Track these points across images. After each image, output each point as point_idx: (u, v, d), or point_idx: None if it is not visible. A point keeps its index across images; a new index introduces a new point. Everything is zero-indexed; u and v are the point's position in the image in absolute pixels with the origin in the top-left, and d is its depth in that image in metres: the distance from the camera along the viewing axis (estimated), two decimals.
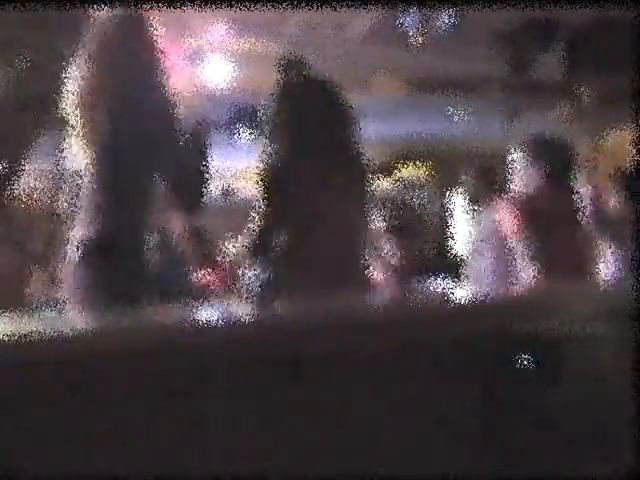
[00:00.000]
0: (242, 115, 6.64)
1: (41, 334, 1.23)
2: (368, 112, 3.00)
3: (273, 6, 4.46)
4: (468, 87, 6.52)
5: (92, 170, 2.56)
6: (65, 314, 2.34)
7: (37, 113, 2.10)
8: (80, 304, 2.53)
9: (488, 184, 4.63)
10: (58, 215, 2.75)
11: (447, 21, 5.06)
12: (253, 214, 2.82)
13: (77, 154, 2.57)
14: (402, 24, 5.10)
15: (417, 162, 9.34)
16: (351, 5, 4.53)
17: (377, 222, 2.94)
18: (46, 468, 1.14)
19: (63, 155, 2.62)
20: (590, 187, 4.59)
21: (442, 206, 7.95)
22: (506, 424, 1.64)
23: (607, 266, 3.89)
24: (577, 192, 3.63)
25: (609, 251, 3.98)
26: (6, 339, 1.15)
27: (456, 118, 7.49)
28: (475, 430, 1.61)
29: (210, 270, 4.02)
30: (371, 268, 2.90)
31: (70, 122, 2.48)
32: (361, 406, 1.48)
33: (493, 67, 5.69)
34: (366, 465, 1.46)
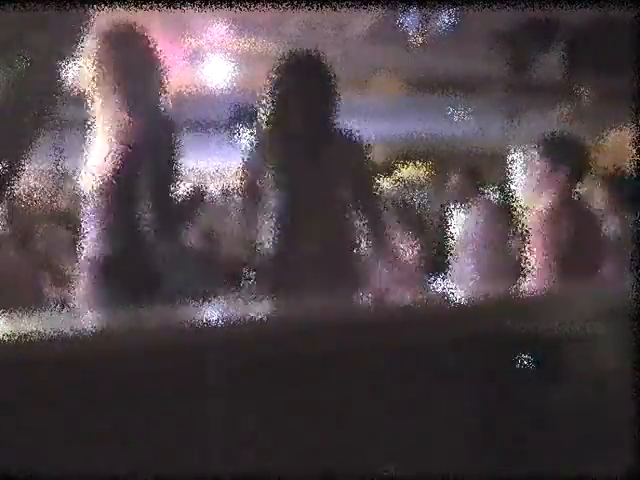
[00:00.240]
0: (242, 115, 6.64)
1: (41, 334, 1.23)
2: (368, 112, 3.00)
3: (273, 6, 4.46)
4: (468, 87, 6.52)
5: (97, 172, 2.57)
6: (66, 314, 2.34)
7: (37, 113, 2.10)
8: (81, 304, 2.53)
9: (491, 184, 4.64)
10: (61, 215, 2.75)
11: (447, 21, 5.06)
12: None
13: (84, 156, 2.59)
14: (402, 24, 5.10)
15: (417, 162, 9.35)
16: (351, 5, 4.52)
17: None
18: (46, 468, 1.14)
19: (64, 155, 2.62)
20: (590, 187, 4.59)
21: (442, 206, 7.95)
22: (506, 424, 1.64)
23: (607, 266, 3.88)
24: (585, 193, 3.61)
25: (610, 252, 3.98)
26: (6, 339, 1.16)
27: (456, 118, 7.49)
28: (475, 430, 1.61)
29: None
30: (368, 267, 2.90)
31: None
32: (361, 406, 1.48)
33: (493, 67, 5.70)
34: (366, 465, 1.46)
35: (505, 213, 3.62)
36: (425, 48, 5.29)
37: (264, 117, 2.84)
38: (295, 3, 4.37)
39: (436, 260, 5.03)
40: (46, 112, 2.14)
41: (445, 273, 4.84)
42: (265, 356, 1.36)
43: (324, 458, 1.42)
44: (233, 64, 5.70)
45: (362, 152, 2.89)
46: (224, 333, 1.36)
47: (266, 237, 2.77)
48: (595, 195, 4.68)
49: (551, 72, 5.76)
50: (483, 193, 5.07)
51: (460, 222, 5.09)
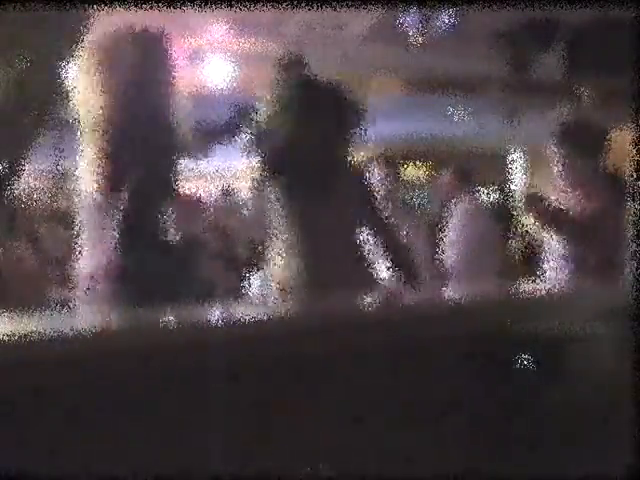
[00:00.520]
0: (242, 115, 6.62)
1: (41, 334, 1.23)
2: (368, 112, 3.00)
3: (273, 6, 4.46)
4: (468, 87, 6.52)
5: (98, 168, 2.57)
6: (66, 314, 2.34)
7: (37, 113, 2.10)
8: (82, 304, 2.53)
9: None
10: (63, 215, 2.75)
11: (447, 21, 5.06)
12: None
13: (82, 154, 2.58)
14: (402, 24, 5.10)
15: (417, 162, 9.35)
16: (351, 5, 4.52)
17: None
18: (46, 468, 1.14)
19: (64, 155, 2.62)
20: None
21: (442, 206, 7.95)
22: (506, 424, 1.64)
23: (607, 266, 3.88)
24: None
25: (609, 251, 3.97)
26: (6, 339, 1.16)
27: (456, 118, 7.49)
28: (475, 430, 1.61)
29: None
30: (371, 267, 2.90)
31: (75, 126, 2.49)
32: (361, 406, 1.48)
33: (493, 67, 5.70)
34: (366, 465, 1.46)
35: (504, 212, 3.63)
36: (425, 48, 5.29)
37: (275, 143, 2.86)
38: (295, 3, 4.37)
39: (435, 260, 5.03)
40: (46, 112, 2.14)
41: (445, 273, 4.85)
42: (265, 356, 1.36)
43: (324, 458, 1.42)
44: (233, 64, 5.70)
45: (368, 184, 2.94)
46: (224, 333, 1.36)
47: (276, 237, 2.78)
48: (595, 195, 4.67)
49: (551, 72, 5.76)
50: (475, 192, 5.08)
51: (460, 221, 5.10)
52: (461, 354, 1.61)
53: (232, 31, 5.09)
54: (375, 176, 4.54)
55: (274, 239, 2.84)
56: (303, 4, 4.39)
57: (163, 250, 2.65)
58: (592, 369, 1.72)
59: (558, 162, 3.47)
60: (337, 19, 4.95)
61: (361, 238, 2.88)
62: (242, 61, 5.62)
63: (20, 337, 1.18)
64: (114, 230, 2.57)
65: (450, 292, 2.91)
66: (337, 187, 2.83)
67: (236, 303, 2.77)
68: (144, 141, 2.53)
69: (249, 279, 2.92)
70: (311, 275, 2.74)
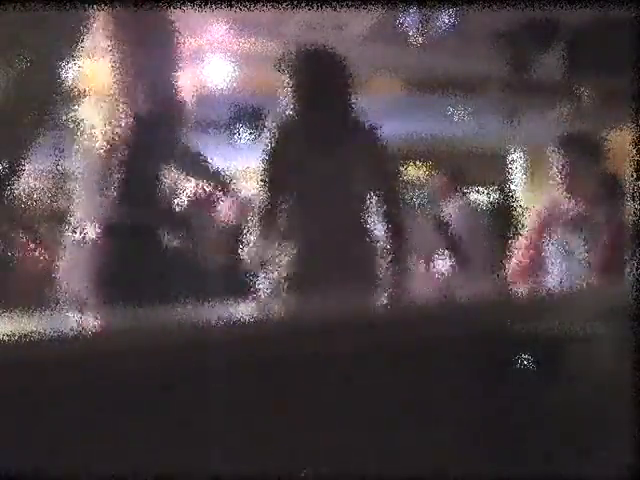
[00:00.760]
0: (242, 115, 6.64)
1: (41, 334, 1.23)
2: (368, 112, 3.00)
3: (273, 6, 4.46)
4: (468, 87, 6.52)
5: (94, 170, 2.57)
6: (66, 314, 2.34)
7: (37, 113, 2.10)
8: (81, 304, 2.53)
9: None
10: (60, 214, 2.75)
11: (447, 21, 5.06)
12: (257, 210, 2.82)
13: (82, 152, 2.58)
14: (402, 24, 5.09)
15: (417, 162, 9.33)
16: (351, 5, 4.53)
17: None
18: (46, 468, 1.14)
19: (64, 155, 2.62)
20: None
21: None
22: (506, 424, 1.64)
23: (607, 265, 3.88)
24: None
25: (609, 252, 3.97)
26: (6, 339, 1.16)
27: (456, 118, 7.49)
28: (475, 430, 1.61)
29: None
30: (375, 266, 2.90)
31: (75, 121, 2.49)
32: (361, 406, 1.48)
33: (493, 67, 5.69)
34: (366, 465, 1.46)
35: (503, 212, 3.64)
36: (425, 48, 5.29)
37: (281, 116, 2.85)
38: (295, 3, 4.37)
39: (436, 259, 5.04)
40: (46, 112, 2.14)
41: (444, 273, 4.85)
42: (265, 356, 1.36)
43: (324, 458, 1.42)
44: (233, 64, 5.70)
45: (381, 146, 2.92)
46: (224, 333, 1.36)
47: (283, 234, 2.77)
48: (594, 195, 4.67)
49: (551, 72, 5.76)
50: (475, 192, 5.10)
51: (459, 220, 5.10)
52: (461, 354, 1.61)
53: (232, 31, 5.09)
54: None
55: (279, 237, 2.83)
56: (303, 4, 4.39)
57: (162, 249, 2.65)
58: (592, 369, 1.72)
59: (556, 165, 3.48)
60: (337, 19, 4.95)
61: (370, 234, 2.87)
62: (242, 61, 5.62)
63: (20, 337, 1.18)
64: (114, 229, 2.57)
65: (450, 292, 2.91)
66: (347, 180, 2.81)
67: (237, 302, 2.77)
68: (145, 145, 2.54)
69: (251, 277, 2.91)
70: (314, 272, 2.74)
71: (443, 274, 4.84)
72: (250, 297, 2.83)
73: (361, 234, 2.87)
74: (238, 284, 2.96)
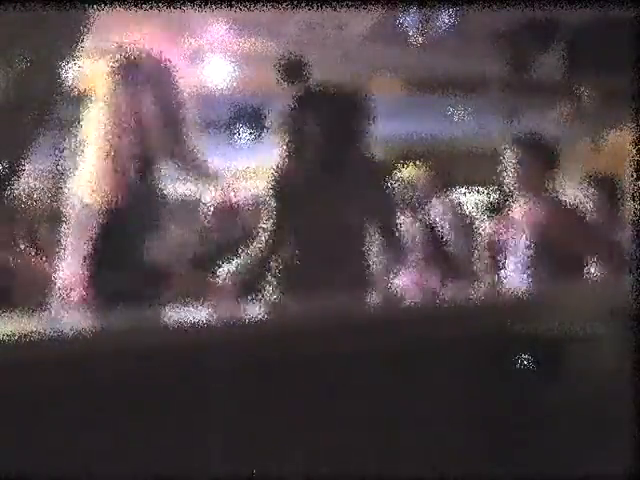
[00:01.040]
0: (242, 115, 6.64)
1: (41, 334, 1.23)
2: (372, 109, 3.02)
3: (273, 6, 4.46)
4: (468, 87, 6.52)
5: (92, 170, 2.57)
6: (66, 314, 2.34)
7: (37, 113, 2.10)
8: (81, 304, 2.53)
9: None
10: (59, 214, 2.75)
11: (447, 21, 5.06)
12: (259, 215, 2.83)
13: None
14: (402, 24, 5.09)
15: (417, 162, 9.33)
16: (351, 5, 4.52)
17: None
18: (46, 468, 1.14)
19: (63, 155, 2.62)
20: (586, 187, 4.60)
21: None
22: (506, 424, 1.64)
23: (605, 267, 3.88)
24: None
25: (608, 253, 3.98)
26: (6, 339, 1.16)
27: (456, 118, 7.49)
28: (475, 430, 1.61)
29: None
30: (371, 267, 2.91)
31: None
32: (361, 406, 1.48)
33: (493, 67, 5.69)
34: (366, 465, 1.46)
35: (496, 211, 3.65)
36: (425, 48, 5.28)
37: (288, 143, 2.87)
38: (295, 3, 4.37)
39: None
40: (46, 112, 2.14)
41: (444, 272, 4.84)
42: (265, 356, 1.36)
43: (324, 458, 1.42)
44: (233, 64, 5.70)
45: (382, 178, 2.95)
46: (224, 333, 1.36)
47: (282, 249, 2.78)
48: (595, 194, 4.67)
49: (551, 72, 5.76)
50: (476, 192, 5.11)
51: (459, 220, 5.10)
52: (461, 354, 1.61)
53: (232, 31, 5.09)
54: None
55: (279, 238, 2.84)
56: (303, 4, 4.39)
57: (161, 250, 2.65)
58: (592, 369, 1.72)
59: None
60: (337, 19, 4.95)
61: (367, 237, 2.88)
62: (242, 61, 5.62)
63: (20, 337, 1.18)
64: (114, 230, 2.58)
65: (449, 292, 2.91)
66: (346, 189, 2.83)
67: (239, 303, 2.77)
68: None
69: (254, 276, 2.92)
70: (312, 273, 2.74)
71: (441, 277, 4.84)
72: (249, 299, 2.84)
73: (357, 240, 2.88)
74: (239, 286, 2.96)
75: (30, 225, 4.48)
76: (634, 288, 1.94)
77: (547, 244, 3.32)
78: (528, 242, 3.36)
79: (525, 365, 1.62)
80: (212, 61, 5.62)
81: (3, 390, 1.10)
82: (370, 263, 2.89)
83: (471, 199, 8.41)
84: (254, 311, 1.66)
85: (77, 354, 1.18)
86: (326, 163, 2.83)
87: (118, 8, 2.49)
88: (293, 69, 4.57)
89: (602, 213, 4.40)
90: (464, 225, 5.32)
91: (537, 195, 3.49)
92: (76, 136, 2.55)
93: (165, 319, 1.69)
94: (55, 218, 2.82)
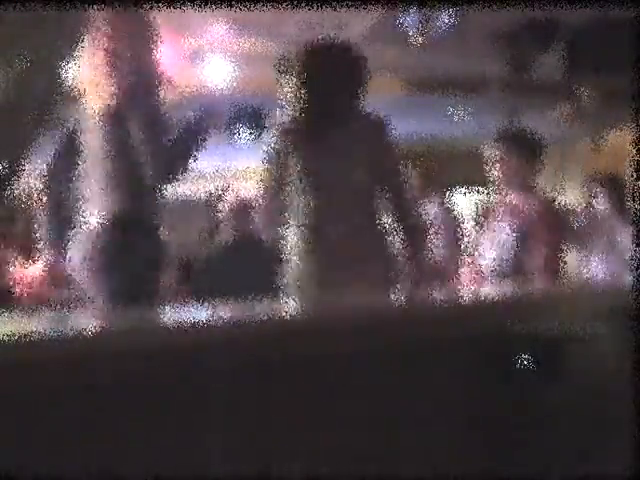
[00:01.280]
0: (242, 115, 6.64)
1: (41, 334, 1.23)
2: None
3: (273, 6, 4.46)
4: (468, 87, 6.52)
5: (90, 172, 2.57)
6: (66, 314, 2.34)
7: (37, 113, 2.10)
8: (80, 304, 2.53)
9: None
10: (58, 214, 2.75)
11: (447, 21, 5.06)
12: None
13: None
14: (402, 24, 5.09)
15: (417, 162, 9.33)
16: (351, 5, 4.52)
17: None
18: (46, 468, 1.14)
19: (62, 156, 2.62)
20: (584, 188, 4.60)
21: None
22: (506, 424, 1.64)
23: (604, 267, 3.89)
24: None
25: (607, 252, 3.98)
26: (6, 339, 1.15)
27: (456, 118, 7.49)
28: (475, 430, 1.61)
29: None
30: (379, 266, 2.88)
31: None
32: (361, 406, 1.48)
33: (493, 67, 5.69)
34: (366, 465, 1.46)
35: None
36: (425, 48, 5.28)
37: (289, 103, 2.85)
38: (295, 3, 4.37)
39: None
40: (46, 112, 2.14)
41: (445, 273, 4.85)
42: (265, 356, 1.36)
43: (324, 458, 1.42)
44: (233, 64, 5.70)
45: (385, 132, 2.92)
46: (224, 333, 1.36)
47: (292, 222, 2.77)
48: (595, 195, 4.67)
49: (551, 72, 5.76)
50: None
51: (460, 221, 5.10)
52: (461, 354, 1.61)
53: (232, 31, 5.09)
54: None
55: (285, 235, 2.83)
56: (303, 4, 4.39)
57: (162, 249, 2.65)
58: (592, 369, 1.72)
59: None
60: (337, 19, 4.95)
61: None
62: (242, 61, 5.62)
63: (20, 337, 1.18)
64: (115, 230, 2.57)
65: (450, 292, 2.91)
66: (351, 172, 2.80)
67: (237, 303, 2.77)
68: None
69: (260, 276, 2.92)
70: (318, 273, 2.73)
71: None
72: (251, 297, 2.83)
73: (367, 231, 2.85)
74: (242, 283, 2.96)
75: (30, 225, 4.48)
76: (634, 288, 1.94)
77: (536, 240, 3.32)
78: (518, 238, 3.35)
79: (525, 365, 1.62)
80: (212, 61, 5.62)
81: (3, 390, 1.10)
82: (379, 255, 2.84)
83: (471, 199, 8.42)
84: (254, 311, 1.66)
85: (77, 354, 1.18)
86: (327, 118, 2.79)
87: (118, 8, 2.48)
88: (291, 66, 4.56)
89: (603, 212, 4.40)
90: (456, 225, 5.33)
91: (526, 193, 3.49)
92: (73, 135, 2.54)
93: (165, 319, 1.69)
94: (55, 218, 2.82)
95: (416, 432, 1.54)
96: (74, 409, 1.16)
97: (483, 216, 3.58)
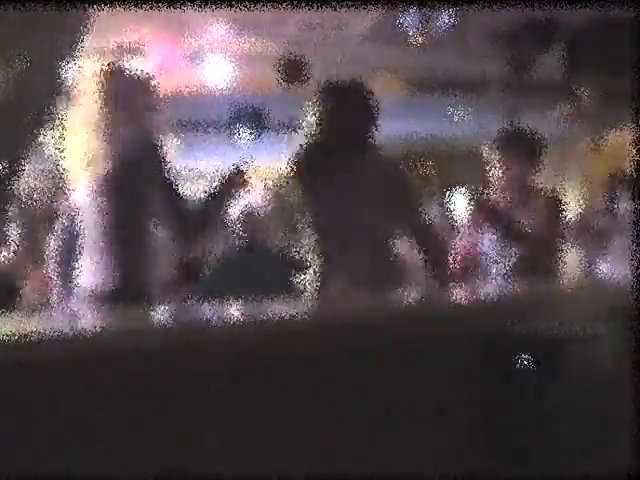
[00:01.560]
0: (242, 115, 6.64)
1: (41, 334, 1.23)
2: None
3: (273, 6, 4.46)
4: (468, 87, 6.52)
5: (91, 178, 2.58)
6: (66, 314, 2.35)
7: (37, 113, 2.10)
8: (80, 304, 2.54)
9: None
10: (58, 214, 2.75)
11: (447, 21, 5.06)
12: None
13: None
14: (402, 24, 5.09)
15: (417, 162, 9.33)
16: (351, 5, 4.52)
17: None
18: (46, 468, 1.14)
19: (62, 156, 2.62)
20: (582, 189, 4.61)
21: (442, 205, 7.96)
22: (506, 424, 1.64)
23: (604, 267, 3.89)
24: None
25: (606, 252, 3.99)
26: (6, 339, 1.15)
27: (456, 118, 7.49)
28: (475, 429, 1.61)
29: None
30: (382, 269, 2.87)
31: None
32: (361, 406, 1.48)
33: (493, 67, 5.69)
34: (366, 465, 1.46)
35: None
36: (425, 48, 5.28)
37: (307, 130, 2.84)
38: (295, 3, 4.37)
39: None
40: (46, 112, 2.14)
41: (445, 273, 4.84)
42: (265, 356, 1.36)
43: (324, 458, 1.42)
44: (233, 64, 5.70)
45: (398, 166, 2.91)
46: (224, 333, 1.36)
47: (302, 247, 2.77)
48: (595, 194, 4.68)
49: (551, 72, 5.76)
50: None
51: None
52: (461, 354, 1.61)
53: (232, 31, 5.09)
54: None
55: (296, 238, 2.82)
56: (303, 4, 4.38)
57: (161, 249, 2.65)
58: (592, 369, 1.72)
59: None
60: (337, 19, 4.95)
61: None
62: (242, 61, 5.62)
63: (20, 337, 1.18)
64: (117, 231, 2.58)
65: (450, 293, 2.91)
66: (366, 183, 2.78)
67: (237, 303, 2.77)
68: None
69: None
70: (327, 274, 2.72)
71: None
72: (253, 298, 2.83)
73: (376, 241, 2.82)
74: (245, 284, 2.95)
75: (29, 225, 4.48)
76: (634, 288, 1.94)
77: (534, 239, 3.32)
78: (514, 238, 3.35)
79: (525, 365, 1.62)
80: (212, 61, 5.62)
81: (3, 390, 1.10)
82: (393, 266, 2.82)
83: (470, 199, 8.40)
84: (254, 311, 1.66)
85: (77, 354, 1.18)
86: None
87: (118, 8, 2.49)
88: (293, 69, 4.57)
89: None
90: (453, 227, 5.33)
91: (526, 193, 3.48)
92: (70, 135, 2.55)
93: (165, 319, 1.69)
94: (54, 218, 2.83)
95: (416, 432, 1.54)
96: (74, 409, 1.16)
97: (483, 216, 3.57)
